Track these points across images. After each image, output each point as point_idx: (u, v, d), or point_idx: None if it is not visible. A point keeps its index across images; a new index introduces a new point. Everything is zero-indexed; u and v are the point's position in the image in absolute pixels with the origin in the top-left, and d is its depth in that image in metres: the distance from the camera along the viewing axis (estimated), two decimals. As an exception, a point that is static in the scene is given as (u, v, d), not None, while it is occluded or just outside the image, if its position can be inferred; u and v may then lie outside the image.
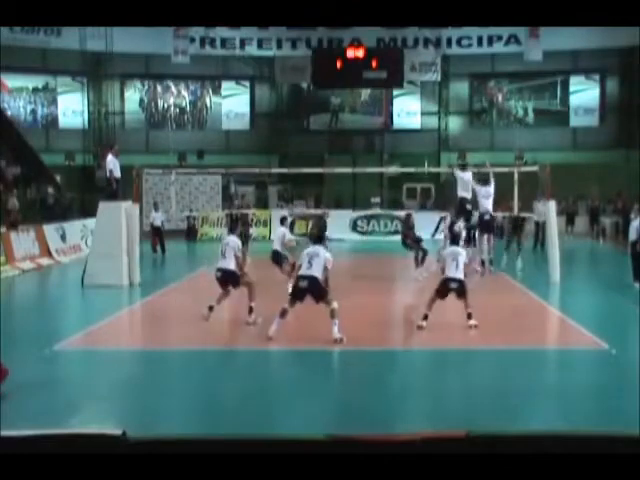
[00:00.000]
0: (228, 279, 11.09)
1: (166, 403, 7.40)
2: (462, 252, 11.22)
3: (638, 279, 14.52)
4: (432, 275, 14.85)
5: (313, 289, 9.84)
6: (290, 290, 10.48)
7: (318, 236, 11.04)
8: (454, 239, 11.81)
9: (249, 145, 34.92)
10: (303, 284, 9.86)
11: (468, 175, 16.50)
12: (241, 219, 16.91)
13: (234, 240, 11.30)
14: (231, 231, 12.14)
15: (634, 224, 14.86)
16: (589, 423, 6.32)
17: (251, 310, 11.06)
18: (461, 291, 10.86)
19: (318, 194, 32.33)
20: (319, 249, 10.17)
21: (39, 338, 9.97)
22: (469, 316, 10.68)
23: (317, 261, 9.91)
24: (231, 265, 11.05)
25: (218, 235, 28.60)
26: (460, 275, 10.86)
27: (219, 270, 11.14)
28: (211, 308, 11.07)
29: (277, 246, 14.56)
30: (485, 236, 16.33)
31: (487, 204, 16.36)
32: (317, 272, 9.83)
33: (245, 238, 15.13)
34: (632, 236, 14.80)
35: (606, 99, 34.85)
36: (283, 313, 9.90)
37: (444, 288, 10.83)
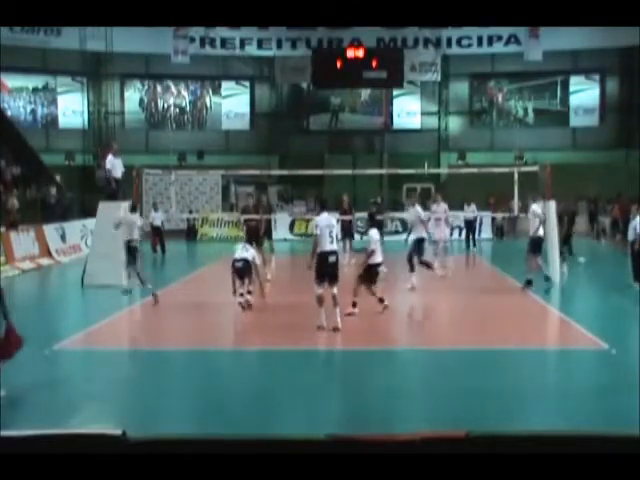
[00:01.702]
0: (245, 268, 11.25)
1: (166, 403, 7.40)
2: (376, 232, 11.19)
3: (638, 279, 14.49)
4: (450, 270, 14.87)
5: (337, 265, 9.25)
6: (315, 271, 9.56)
7: (322, 200, 10.60)
8: (379, 225, 11.69)
9: (249, 145, 34.91)
10: (332, 259, 9.20)
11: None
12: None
13: (255, 256, 11.67)
14: (250, 242, 12.53)
15: (633, 223, 14.80)
16: (589, 423, 6.32)
17: (249, 292, 11.48)
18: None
19: (318, 194, 32.32)
20: (331, 218, 9.58)
21: (39, 338, 9.95)
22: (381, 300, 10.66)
23: (335, 233, 9.26)
24: (249, 256, 11.36)
25: (218, 235, 28.64)
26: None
27: (239, 260, 11.28)
28: (241, 294, 11.31)
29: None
30: (537, 256, 14.51)
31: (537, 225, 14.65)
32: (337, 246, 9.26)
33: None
34: (631, 236, 14.76)
35: (606, 99, 34.86)
36: (320, 300, 9.30)
37: (373, 273, 10.59)
